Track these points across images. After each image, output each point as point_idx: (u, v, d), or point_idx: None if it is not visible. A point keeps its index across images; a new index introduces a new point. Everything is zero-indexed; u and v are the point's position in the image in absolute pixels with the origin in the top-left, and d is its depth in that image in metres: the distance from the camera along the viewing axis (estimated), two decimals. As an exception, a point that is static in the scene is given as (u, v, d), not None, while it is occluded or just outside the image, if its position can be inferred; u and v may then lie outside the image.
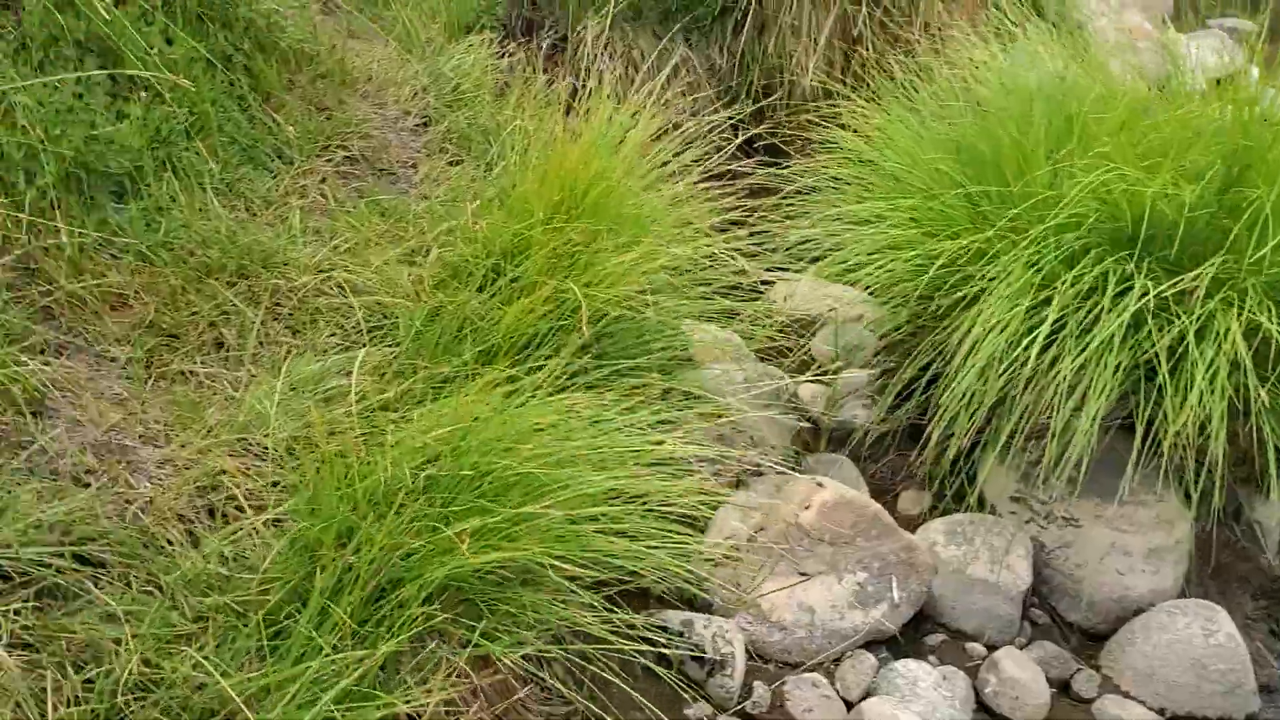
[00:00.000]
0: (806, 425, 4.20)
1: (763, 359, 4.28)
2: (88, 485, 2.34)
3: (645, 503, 2.72)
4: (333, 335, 3.00)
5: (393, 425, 2.57)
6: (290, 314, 3.04)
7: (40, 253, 2.83)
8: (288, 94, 3.91)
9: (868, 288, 4.15)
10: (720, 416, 3.48)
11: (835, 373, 4.38)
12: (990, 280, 3.46)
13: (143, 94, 3.35)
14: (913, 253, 3.55)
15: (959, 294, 3.58)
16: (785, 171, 4.35)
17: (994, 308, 3.33)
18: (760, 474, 3.60)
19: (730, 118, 4.87)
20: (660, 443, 2.67)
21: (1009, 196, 3.54)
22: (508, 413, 2.45)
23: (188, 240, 3.12)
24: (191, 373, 2.76)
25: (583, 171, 3.20)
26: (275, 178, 3.61)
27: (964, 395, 3.39)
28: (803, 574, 3.33)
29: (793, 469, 3.78)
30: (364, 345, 2.94)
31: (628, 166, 3.42)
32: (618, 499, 2.63)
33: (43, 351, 2.63)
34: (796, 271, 4.57)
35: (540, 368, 2.77)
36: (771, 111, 5.48)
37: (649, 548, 2.65)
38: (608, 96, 3.93)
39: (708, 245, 3.31)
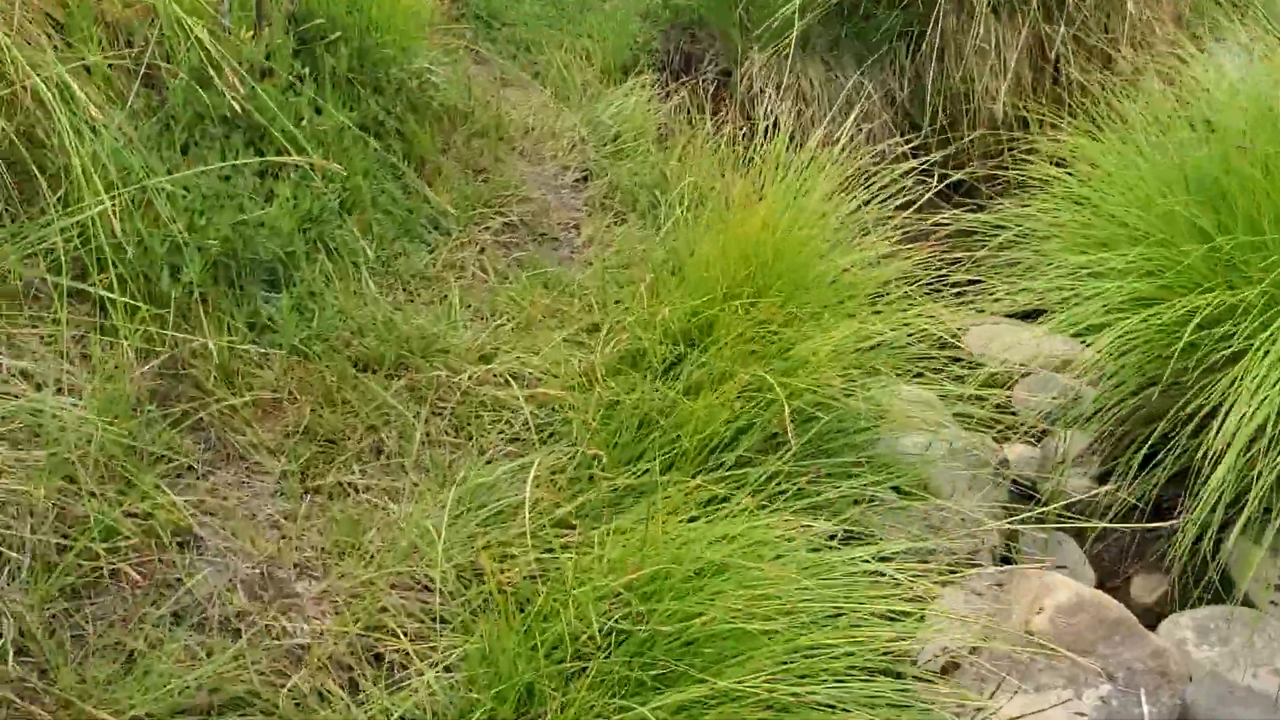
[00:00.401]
0: (1018, 493, 3.72)
1: (956, 414, 3.82)
2: (238, 632, 2.08)
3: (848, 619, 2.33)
4: (500, 433, 2.71)
5: (571, 552, 2.24)
6: (453, 410, 2.75)
7: (187, 355, 2.63)
8: (442, 157, 3.67)
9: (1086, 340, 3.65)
10: (924, 495, 3.07)
11: (1046, 434, 3.88)
12: (1249, 340, 2.95)
13: (292, 171, 3.15)
14: (1151, 311, 3.05)
15: (1208, 354, 3.07)
16: (986, 216, 3.89)
17: (1262, 374, 2.82)
18: (976, 561, 3.17)
19: (912, 150, 4.43)
20: (871, 567, 2.27)
21: (1266, 245, 3.02)
22: (703, 543, 2.09)
23: (343, 329, 2.88)
24: (350, 485, 2.50)
25: (767, 237, 2.83)
26: (432, 251, 3.36)
27: (1223, 474, 2.88)
28: (1036, 689, 2.88)
29: (1008, 552, 3.33)
30: (534, 445, 2.63)
31: (814, 223, 3.03)
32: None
33: (191, 470, 2.41)
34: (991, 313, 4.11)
35: (732, 473, 2.41)
36: (959, 141, 5.01)
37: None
38: (783, 141, 3.56)
39: (912, 315, 2.90)
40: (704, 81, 5.34)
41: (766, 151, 3.53)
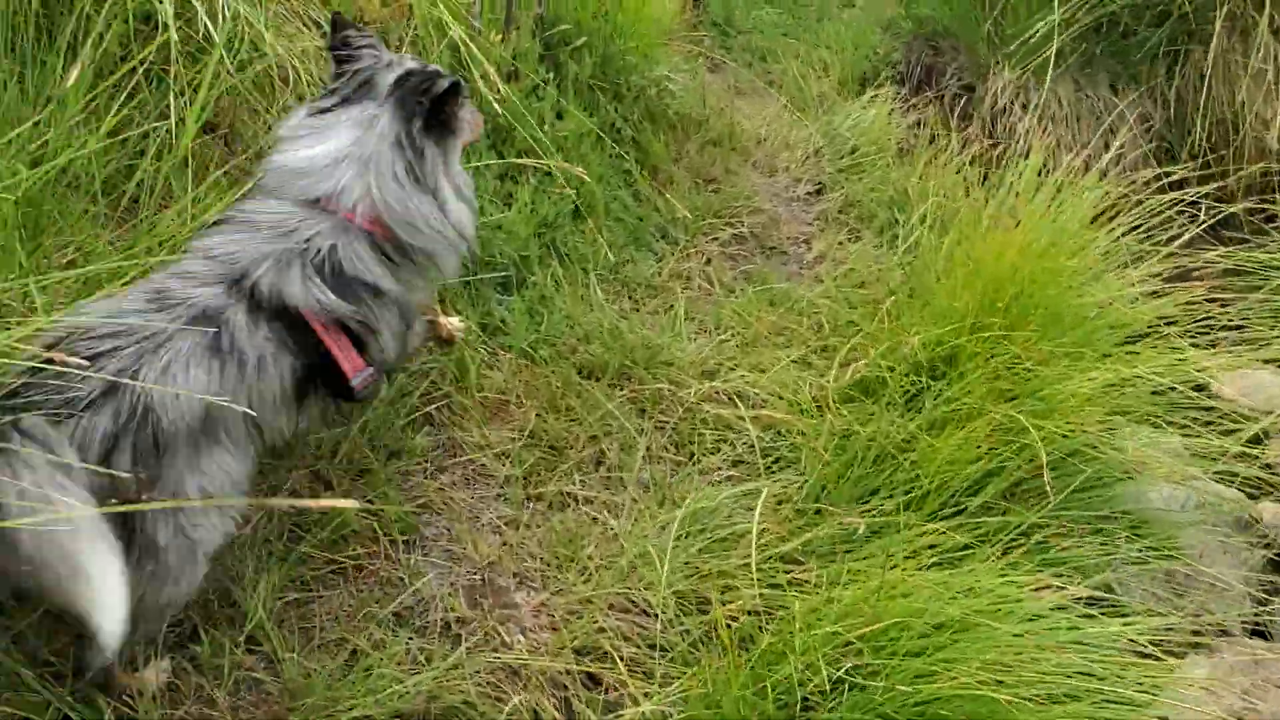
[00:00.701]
0: (1272, 558, 3.36)
1: (1215, 472, 3.48)
2: (458, 639, 2.07)
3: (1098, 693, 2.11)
4: (722, 454, 2.62)
5: (798, 590, 2.13)
6: (674, 426, 2.68)
7: (424, 351, 2.65)
8: (674, 165, 3.61)
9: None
10: (1169, 556, 2.79)
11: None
12: None
13: (530, 175, 3.15)
14: None
15: None
16: (1263, 255, 3.53)
17: None
18: (1228, 630, 2.87)
19: (1171, 181, 4.08)
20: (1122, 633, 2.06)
21: None
22: (944, 596, 1.94)
23: (570, 335, 2.85)
24: (570, 495, 2.46)
25: (1023, 265, 2.63)
26: (659, 260, 3.30)
27: None
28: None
29: (1259, 623, 2.99)
30: (759, 470, 2.53)
31: (1072, 253, 2.80)
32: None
33: (420, 466, 2.43)
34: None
35: (975, 520, 2.24)
36: (1225, 173, 4.60)
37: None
38: (1033, 162, 3.32)
39: (1172, 359, 2.63)
40: (945, 96, 5.10)
41: (1016, 173, 3.31)
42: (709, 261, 3.36)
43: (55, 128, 2.06)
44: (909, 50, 5.20)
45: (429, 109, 2.02)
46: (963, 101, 5.08)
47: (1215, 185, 4.38)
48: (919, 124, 4.53)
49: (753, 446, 2.59)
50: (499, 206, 2.98)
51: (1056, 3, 4.48)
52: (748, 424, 2.61)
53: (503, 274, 2.89)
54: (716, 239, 3.45)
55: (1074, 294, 2.72)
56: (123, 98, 2.14)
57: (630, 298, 3.14)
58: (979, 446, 2.29)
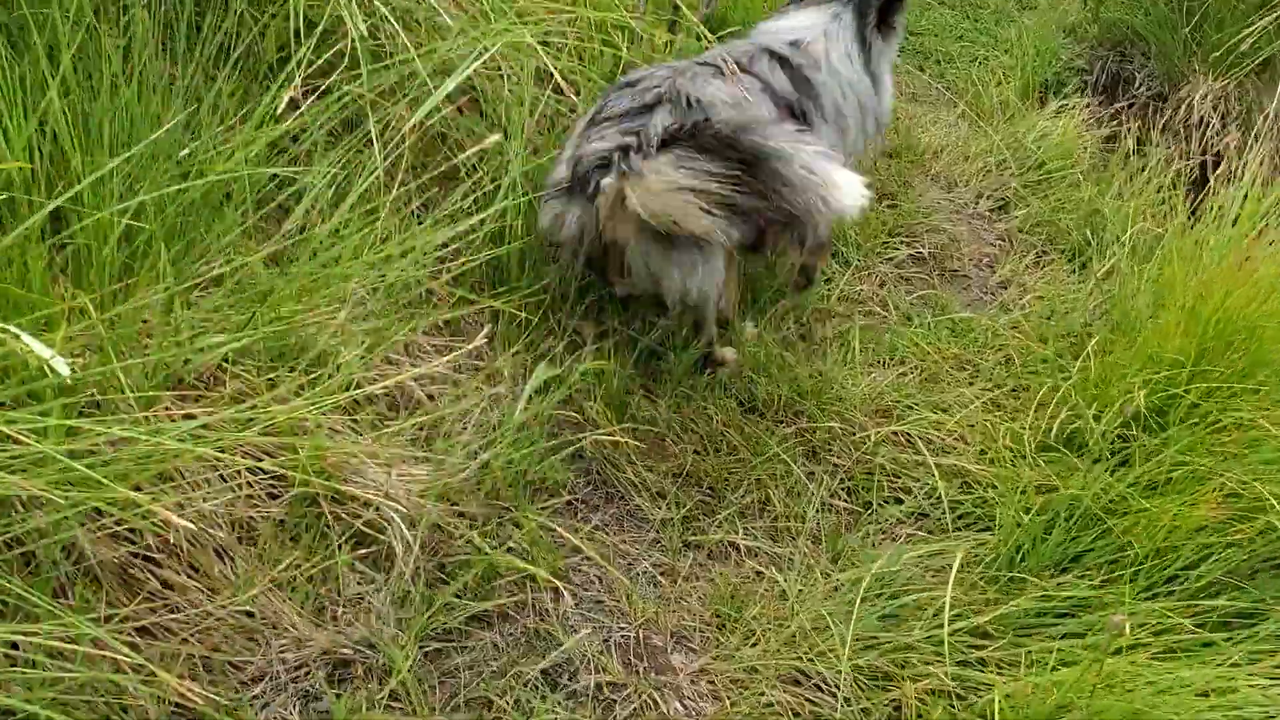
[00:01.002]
0: None
1: None
2: (610, 705, 1.87)
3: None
4: (902, 506, 2.36)
5: (995, 670, 1.87)
6: (848, 471, 2.44)
7: (576, 376, 2.47)
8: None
9: None
10: None
11: None
12: None
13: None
14: None
15: None
16: None
17: None
18: None
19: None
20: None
21: None
22: (1177, 695, 1.65)
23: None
24: (732, 545, 2.25)
25: (1248, 309, 2.30)
26: (829, 281, 3.05)
27: None
28: None
29: None
30: (943, 526, 2.27)
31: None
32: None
33: (571, 506, 2.24)
34: None
35: (1200, 602, 1.94)
36: None
37: None
38: (1249, 188, 2.96)
39: None
40: (1136, 104, 4.71)
41: (1229, 198, 2.95)
42: (883, 284, 3.10)
43: (204, 133, 1.95)
44: (1094, 55, 4.82)
45: (881, 10, 2.73)
46: (1152, 112, 4.68)
47: None
48: (1112, 138, 4.16)
49: (938, 499, 2.33)
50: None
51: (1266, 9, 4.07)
52: (933, 471, 2.35)
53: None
54: (892, 259, 3.19)
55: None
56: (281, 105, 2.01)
57: (798, 321, 2.91)
58: (1203, 515, 1.98)
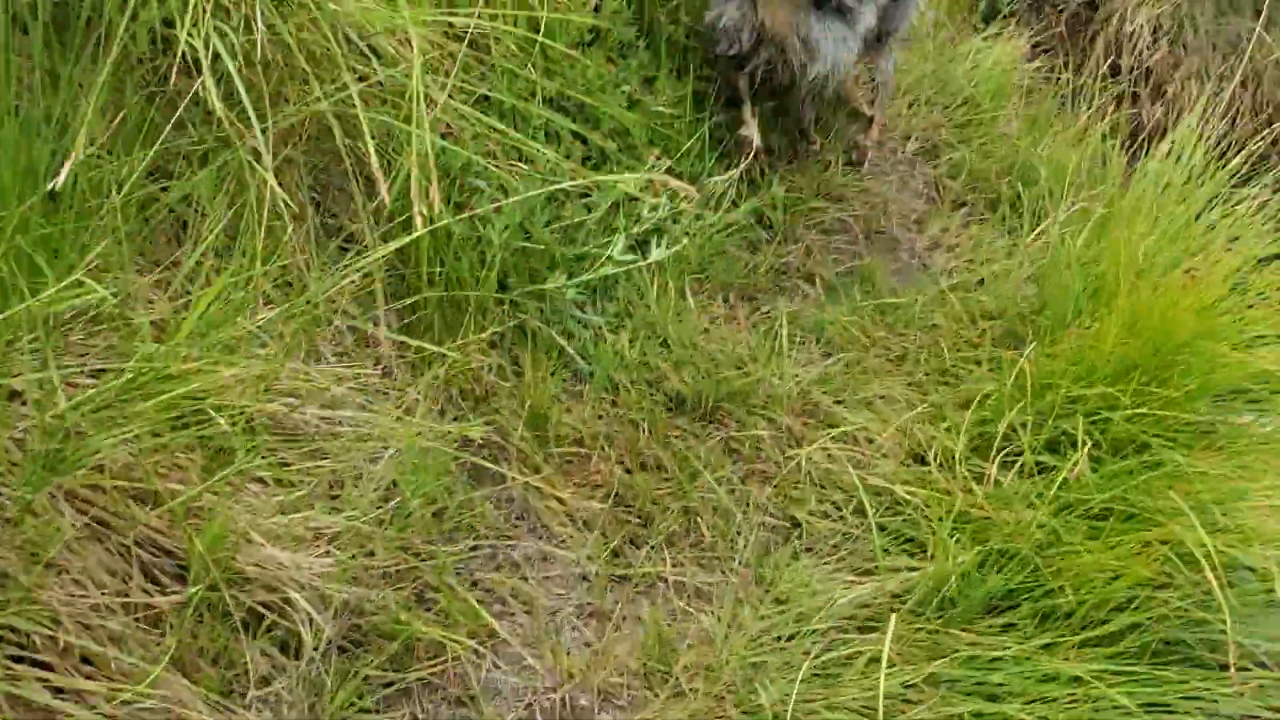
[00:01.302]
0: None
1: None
2: (537, 780, 1.83)
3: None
4: (832, 520, 2.31)
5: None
6: (776, 485, 2.37)
7: (491, 389, 2.34)
8: (774, 131, 3.17)
9: None
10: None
11: None
12: None
13: (612, 144, 2.77)
14: None
15: None
16: None
17: None
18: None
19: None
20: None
21: None
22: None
23: (658, 359, 2.52)
24: (660, 577, 2.18)
25: (1192, 323, 2.25)
26: (754, 252, 2.92)
27: None
28: None
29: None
30: (873, 550, 2.23)
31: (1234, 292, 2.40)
32: None
33: (489, 540, 2.14)
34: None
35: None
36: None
37: None
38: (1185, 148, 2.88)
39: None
40: (1063, 13, 4.55)
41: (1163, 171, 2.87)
42: (810, 253, 2.98)
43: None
44: (1027, -45, 4.61)
45: None
46: (1088, 21, 4.54)
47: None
48: (1040, 53, 4.03)
49: (865, 516, 2.28)
50: (577, 201, 2.60)
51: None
52: (861, 493, 2.29)
53: (584, 286, 2.54)
54: (819, 224, 3.06)
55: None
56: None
57: (725, 300, 2.79)
58: (1131, 562, 1.96)
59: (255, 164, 1.86)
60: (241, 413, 1.86)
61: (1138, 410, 2.17)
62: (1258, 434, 2.21)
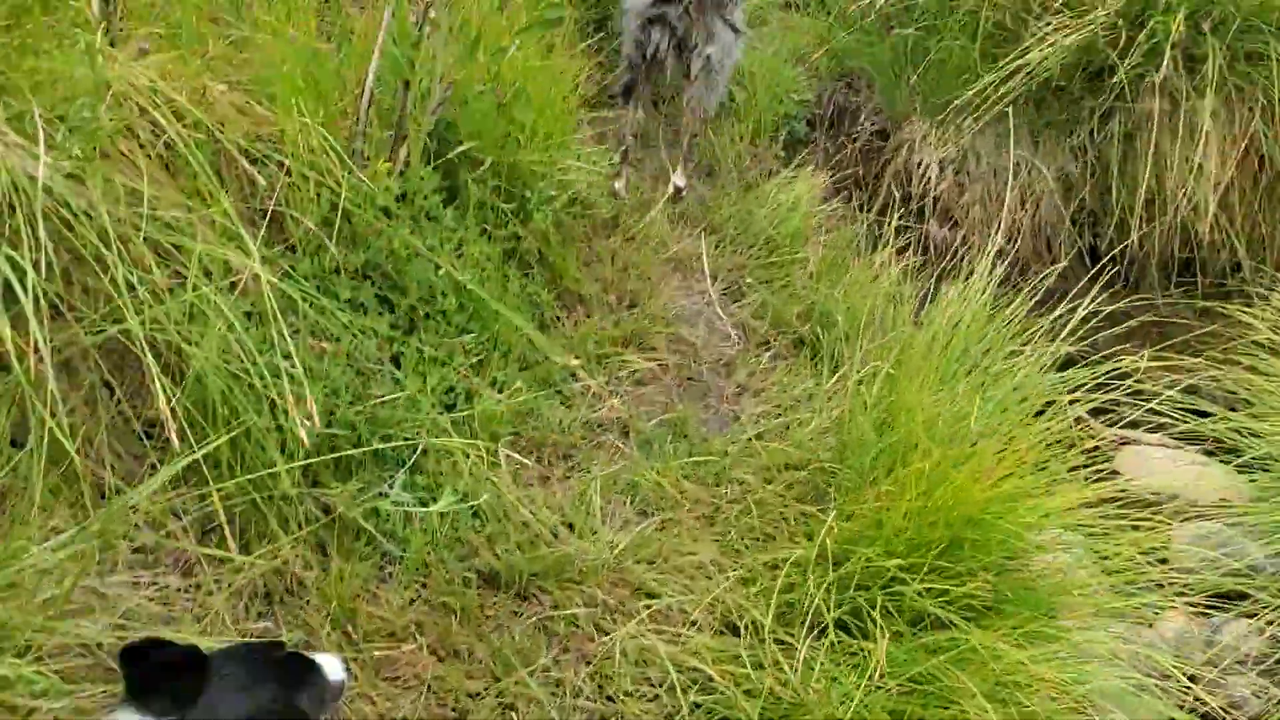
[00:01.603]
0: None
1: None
2: None
3: None
4: (649, 703, 2.32)
5: None
6: (594, 666, 2.37)
7: (303, 577, 2.26)
8: (588, 280, 3.22)
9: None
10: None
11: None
12: None
13: (425, 318, 2.75)
14: None
15: None
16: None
17: None
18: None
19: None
20: None
21: None
22: None
23: (471, 533, 2.50)
24: (481, 784, 2.15)
25: (978, 499, 2.39)
26: (569, 407, 2.94)
27: None
28: None
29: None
30: (689, 733, 2.25)
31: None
32: None
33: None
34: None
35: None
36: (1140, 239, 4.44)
37: None
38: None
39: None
40: (859, 140, 4.80)
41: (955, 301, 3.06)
42: (624, 402, 3.02)
43: None
44: (823, 89, 4.86)
45: None
46: (879, 150, 4.82)
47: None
48: (837, 190, 4.24)
49: (679, 697, 2.30)
50: (388, 379, 2.57)
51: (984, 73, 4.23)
52: (672, 674, 2.32)
53: (392, 463, 2.50)
54: (633, 373, 3.11)
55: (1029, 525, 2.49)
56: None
57: (539, 459, 2.79)
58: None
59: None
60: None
61: (930, 586, 2.27)
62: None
